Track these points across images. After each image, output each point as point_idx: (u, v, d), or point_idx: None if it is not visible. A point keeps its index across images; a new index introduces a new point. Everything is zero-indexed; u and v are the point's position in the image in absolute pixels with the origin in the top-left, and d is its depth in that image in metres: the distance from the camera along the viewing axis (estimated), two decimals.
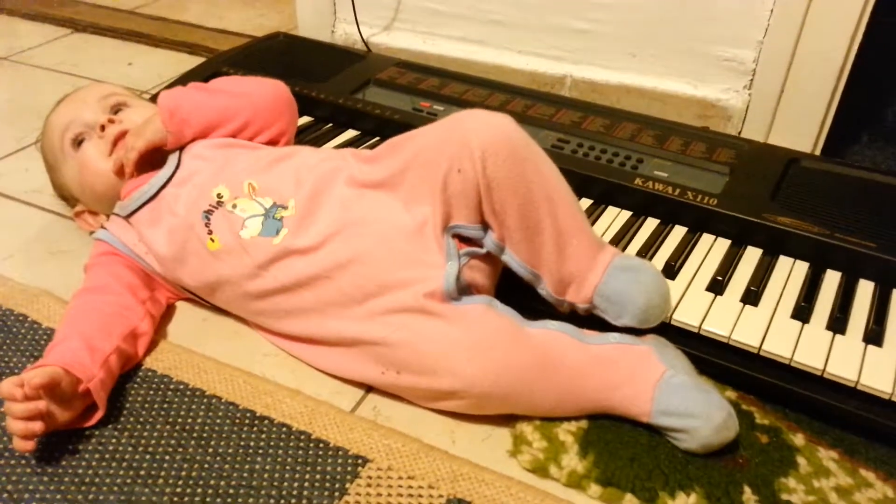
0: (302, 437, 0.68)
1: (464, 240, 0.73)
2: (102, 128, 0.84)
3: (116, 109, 0.87)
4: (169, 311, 0.83)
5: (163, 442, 0.67)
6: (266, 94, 0.88)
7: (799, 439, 0.69)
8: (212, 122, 0.84)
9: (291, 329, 0.75)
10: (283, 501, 0.62)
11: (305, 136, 1.04)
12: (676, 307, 0.75)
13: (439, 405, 0.70)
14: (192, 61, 1.47)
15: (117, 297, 0.77)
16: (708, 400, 0.66)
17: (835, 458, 0.67)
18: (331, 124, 1.08)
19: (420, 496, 0.62)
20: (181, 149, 0.83)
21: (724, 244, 0.85)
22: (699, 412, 0.65)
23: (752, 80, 1.09)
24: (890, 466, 0.66)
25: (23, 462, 0.65)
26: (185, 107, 0.82)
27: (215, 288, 0.78)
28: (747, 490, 0.63)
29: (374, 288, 0.70)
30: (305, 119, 1.09)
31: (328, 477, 0.64)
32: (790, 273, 0.81)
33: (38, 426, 0.62)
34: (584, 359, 0.68)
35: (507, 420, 0.69)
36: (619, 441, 0.67)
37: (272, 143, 0.88)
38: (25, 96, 1.33)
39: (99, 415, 0.68)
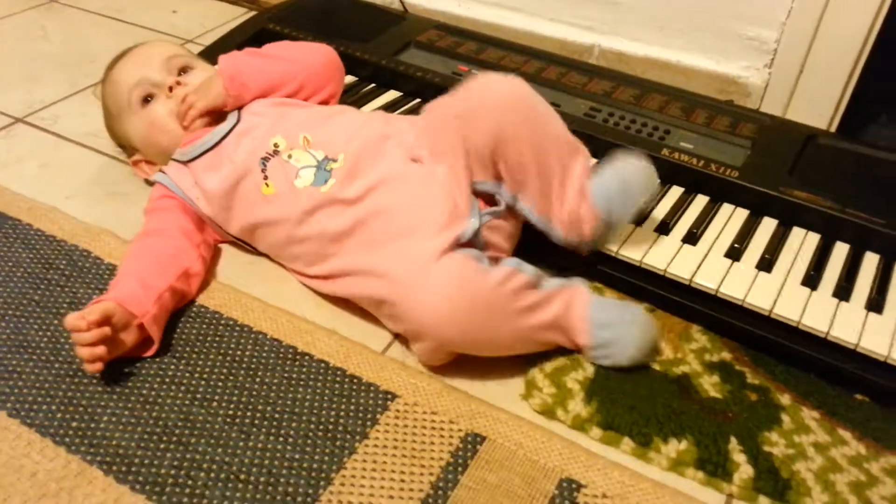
0: (338, 372, 0.76)
1: (484, 201, 0.80)
2: (171, 89, 0.90)
3: (181, 71, 0.93)
4: (219, 254, 0.90)
5: (216, 370, 0.75)
6: (318, 59, 0.95)
7: (785, 399, 0.76)
8: (269, 86, 0.91)
9: (321, 271, 0.82)
10: (321, 427, 0.70)
11: (350, 96, 1.10)
12: (697, 271, 0.82)
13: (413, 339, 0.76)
14: (233, 11, 1.53)
15: (173, 240, 0.84)
16: (629, 307, 0.78)
17: (816, 417, 0.74)
18: (374, 84, 1.13)
19: (441, 429, 0.71)
20: (240, 107, 0.90)
21: (742, 214, 0.91)
22: (629, 315, 0.76)
23: (772, 59, 1.13)
24: (865, 428, 0.73)
25: (94, 382, 0.74)
26: (245, 72, 0.90)
27: (260, 229, 0.85)
28: (733, 440, 0.71)
29: (400, 232, 0.77)
30: (350, 78, 1.14)
31: (361, 408, 0.72)
32: (802, 243, 0.87)
33: (101, 350, 0.70)
34: (539, 296, 0.74)
35: (521, 367, 0.77)
36: (620, 391, 0.75)
37: (323, 103, 0.95)
38: (77, 41, 1.39)
39: (154, 347, 0.76)
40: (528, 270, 0.75)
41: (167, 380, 0.74)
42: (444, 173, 0.80)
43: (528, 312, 0.73)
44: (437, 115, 0.83)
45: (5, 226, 0.92)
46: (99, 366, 0.71)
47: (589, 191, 0.79)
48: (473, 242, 0.77)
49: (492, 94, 0.79)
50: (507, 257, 0.80)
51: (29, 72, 1.27)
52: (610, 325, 0.75)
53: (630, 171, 0.81)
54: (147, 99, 0.91)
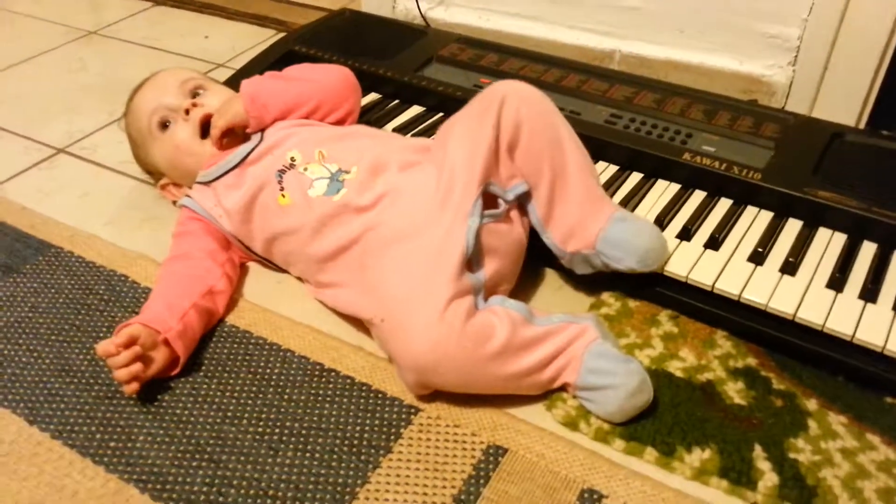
0: (364, 387, 0.78)
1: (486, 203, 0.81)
2: (187, 112, 0.94)
3: (195, 93, 0.97)
4: (247, 274, 0.93)
5: (245, 388, 0.78)
6: (334, 79, 0.99)
7: (812, 404, 0.75)
8: (288, 107, 0.94)
9: (324, 279, 0.85)
10: (347, 442, 0.72)
11: (374, 113, 1.12)
12: (719, 276, 0.82)
13: (396, 369, 0.77)
14: (262, 34, 1.57)
15: (197, 261, 0.87)
16: (628, 366, 0.73)
17: (844, 422, 0.73)
18: (397, 101, 1.15)
19: (464, 442, 0.72)
20: (263, 128, 0.94)
21: (766, 216, 0.90)
22: (620, 372, 0.72)
23: (796, 56, 1.11)
24: (895, 432, 0.71)
25: (132, 403, 0.77)
26: (264, 94, 0.93)
27: (278, 240, 0.88)
28: (758, 448, 0.70)
29: (400, 238, 0.78)
30: (374, 96, 1.17)
31: (386, 422, 0.74)
32: (828, 245, 0.85)
33: (136, 368, 0.74)
34: (531, 334, 0.73)
35: None
36: None
37: (340, 122, 0.98)
38: (114, 70, 1.45)
39: (181, 361, 0.79)
40: (516, 309, 0.75)
41: (199, 399, 0.77)
42: (448, 178, 0.81)
43: (516, 356, 0.72)
44: (454, 120, 0.86)
45: (48, 254, 0.97)
46: (135, 386, 0.74)
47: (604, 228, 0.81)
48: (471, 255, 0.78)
49: (512, 88, 0.83)
50: (495, 295, 0.79)
51: (69, 103, 1.33)
52: (601, 372, 0.72)
53: (645, 233, 0.82)
54: (165, 124, 0.96)
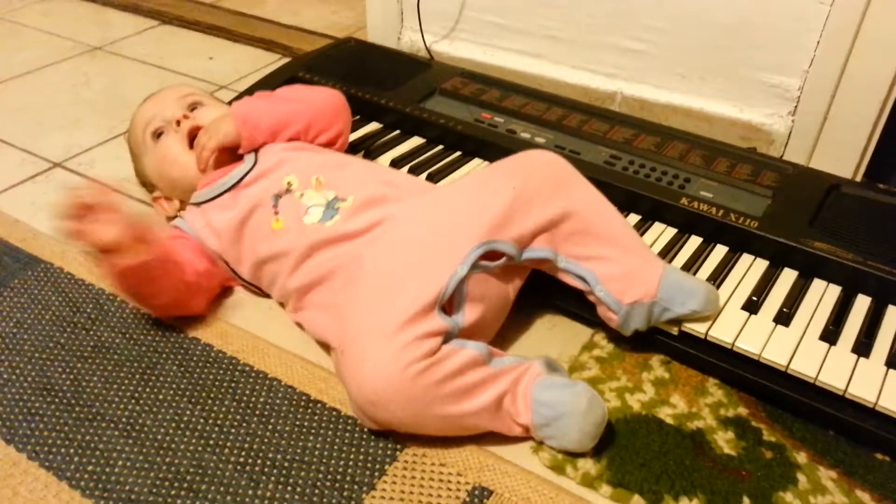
0: (349, 420, 0.76)
1: (487, 256, 0.79)
2: (178, 123, 0.95)
3: (192, 107, 0.99)
4: (237, 300, 0.92)
5: (229, 416, 0.77)
6: (324, 101, 1.00)
7: (802, 457, 0.74)
8: (279, 125, 0.95)
9: (306, 301, 0.84)
10: (330, 476, 0.71)
11: (375, 142, 1.12)
12: (712, 324, 0.81)
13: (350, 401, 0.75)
14: (267, 58, 1.58)
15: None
16: (573, 388, 0.72)
17: (833, 477, 0.72)
18: (398, 131, 1.15)
19: (449, 481, 0.71)
20: (257, 150, 0.94)
21: (762, 265, 0.90)
22: (566, 398, 0.71)
23: (796, 106, 1.12)
24: (885, 490, 0.71)
25: (112, 426, 0.75)
26: (255, 114, 0.94)
27: (267, 265, 0.87)
28: (746, 500, 0.69)
29: (381, 270, 0.77)
30: (375, 125, 1.17)
31: (370, 458, 0.73)
32: (822, 296, 0.85)
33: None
34: (483, 375, 0.72)
35: None
36: (632, 447, 0.74)
37: (330, 143, 0.98)
38: (117, 87, 1.45)
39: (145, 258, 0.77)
40: (476, 348, 0.73)
41: (182, 425, 0.76)
42: (457, 226, 0.80)
43: (466, 397, 0.71)
44: (478, 171, 0.87)
45: (38, 269, 0.96)
46: (70, 229, 0.74)
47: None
48: (452, 297, 0.76)
49: (539, 161, 0.86)
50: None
51: (70, 117, 1.33)
52: (550, 403, 0.71)
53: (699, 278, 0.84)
54: (158, 134, 0.97)
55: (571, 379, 0.76)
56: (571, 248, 0.81)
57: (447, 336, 0.73)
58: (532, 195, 0.80)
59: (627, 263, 0.81)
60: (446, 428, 0.73)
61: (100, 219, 0.75)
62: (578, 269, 0.81)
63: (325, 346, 0.85)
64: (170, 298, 0.85)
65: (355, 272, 0.79)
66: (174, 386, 0.80)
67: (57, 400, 0.78)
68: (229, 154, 0.94)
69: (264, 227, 0.86)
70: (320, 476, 0.71)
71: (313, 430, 0.75)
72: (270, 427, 0.76)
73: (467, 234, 0.78)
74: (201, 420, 0.76)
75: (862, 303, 0.84)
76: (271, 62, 1.55)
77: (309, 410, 0.78)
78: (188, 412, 0.77)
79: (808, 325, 0.81)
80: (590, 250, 0.81)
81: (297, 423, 0.76)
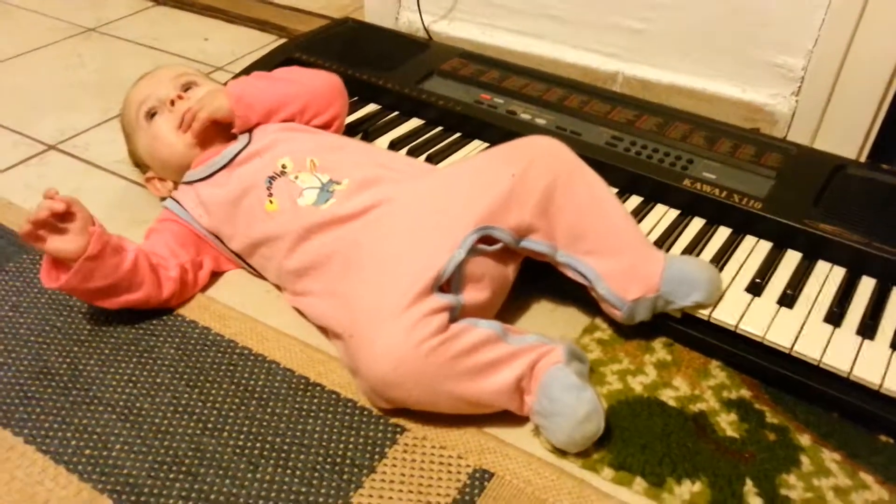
0: (349, 404, 0.76)
1: (484, 239, 0.78)
2: (172, 103, 0.94)
3: (187, 87, 0.97)
4: (235, 283, 0.91)
5: (228, 399, 0.76)
6: (321, 83, 0.98)
7: (805, 439, 0.73)
8: (273, 106, 0.93)
9: (304, 287, 0.83)
10: (329, 460, 0.70)
11: (373, 123, 1.11)
12: (716, 306, 0.80)
13: (359, 384, 0.75)
14: (263, 38, 1.56)
15: (158, 251, 0.87)
16: (580, 393, 0.70)
17: (837, 459, 0.72)
18: (396, 112, 1.14)
19: (450, 464, 0.70)
20: (251, 130, 0.92)
21: (765, 246, 0.89)
22: (570, 399, 0.69)
23: (800, 86, 1.11)
24: (889, 472, 0.70)
25: (109, 409, 0.75)
26: (250, 93, 0.93)
27: (260, 246, 0.86)
28: (749, 482, 0.69)
29: (385, 258, 0.76)
30: (373, 107, 1.16)
31: (370, 441, 0.72)
32: (826, 278, 0.84)
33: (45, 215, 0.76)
34: (501, 353, 0.71)
35: None
36: (634, 429, 0.73)
37: (326, 126, 0.97)
38: (111, 69, 1.43)
39: (84, 257, 0.77)
40: (490, 327, 0.73)
41: (180, 409, 0.75)
42: (454, 212, 0.79)
43: (484, 374, 0.70)
44: (477, 155, 0.85)
45: (33, 252, 0.94)
46: (30, 230, 0.75)
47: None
48: (451, 279, 0.75)
49: (539, 146, 0.83)
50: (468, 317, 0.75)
51: (64, 99, 1.31)
52: (553, 398, 0.70)
53: (703, 267, 0.81)
54: (152, 114, 0.95)
55: (586, 382, 0.73)
56: (570, 241, 0.80)
57: (451, 312, 0.72)
58: (531, 185, 0.79)
59: (628, 258, 0.80)
60: (461, 406, 0.72)
61: (68, 228, 0.76)
62: (579, 266, 0.80)
63: (324, 329, 0.84)
64: (137, 295, 0.83)
65: (354, 257, 0.78)
66: (172, 369, 0.79)
67: (53, 383, 0.77)
68: (223, 134, 0.93)
69: (258, 208, 0.85)
70: (320, 459, 0.70)
71: (312, 413, 0.75)
72: (269, 410, 0.75)
73: (464, 219, 0.77)
74: (199, 403, 0.76)
75: (866, 284, 0.84)
76: (267, 43, 1.53)
77: (308, 393, 0.77)
78: (186, 395, 0.76)
79: (813, 307, 0.81)
80: (588, 244, 0.80)
81: (296, 406, 0.75)
